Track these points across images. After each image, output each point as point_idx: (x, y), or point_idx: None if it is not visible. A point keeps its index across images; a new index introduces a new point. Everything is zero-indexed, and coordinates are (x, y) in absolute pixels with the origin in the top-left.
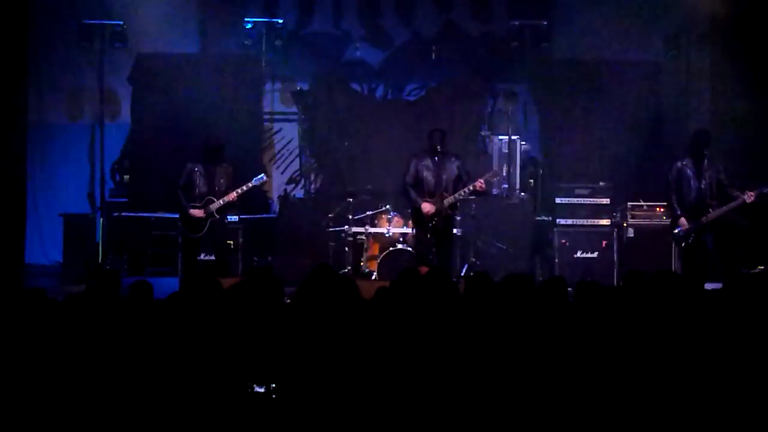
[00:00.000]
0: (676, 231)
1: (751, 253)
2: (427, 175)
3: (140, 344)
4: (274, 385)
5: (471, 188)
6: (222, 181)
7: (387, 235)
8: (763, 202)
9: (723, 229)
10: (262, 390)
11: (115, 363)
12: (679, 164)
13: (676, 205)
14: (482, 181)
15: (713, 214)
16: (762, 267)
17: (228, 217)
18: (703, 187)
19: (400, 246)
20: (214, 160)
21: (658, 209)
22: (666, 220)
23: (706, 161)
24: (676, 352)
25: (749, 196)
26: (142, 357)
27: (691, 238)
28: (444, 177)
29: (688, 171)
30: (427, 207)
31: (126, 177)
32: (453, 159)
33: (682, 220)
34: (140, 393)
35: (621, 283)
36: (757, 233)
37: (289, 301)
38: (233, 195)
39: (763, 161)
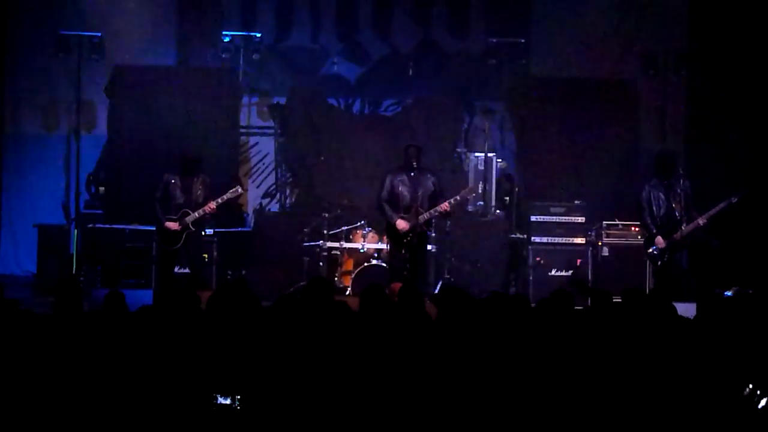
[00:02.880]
0: (651, 250)
1: (725, 273)
2: (403, 191)
3: (108, 356)
4: (239, 397)
5: (439, 210)
6: (199, 193)
7: (362, 250)
8: (733, 220)
9: (696, 248)
10: (227, 401)
11: (84, 373)
12: (648, 186)
13: (650, 224)
14: (448, 203)
15: (686, 230)
16: (737, 287)
17: (205, 229)
18: (673, 205)
19: (374, 261)
20: (192, 173)
21: (633, 228)
22: (641, 240)
23: (675, 180)
24: (651, 372)
25: (702, 220)
26: (111, 368)
27: (666, 256)
28: (420, 193)
29: (658, 191)
30: (401, 224)
31: (101, 188)
32: (429, 175)
33: (659, 238)
34: (110, 403)
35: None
36: (731, 253)
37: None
38: (208, 207)
39: (738, 180)
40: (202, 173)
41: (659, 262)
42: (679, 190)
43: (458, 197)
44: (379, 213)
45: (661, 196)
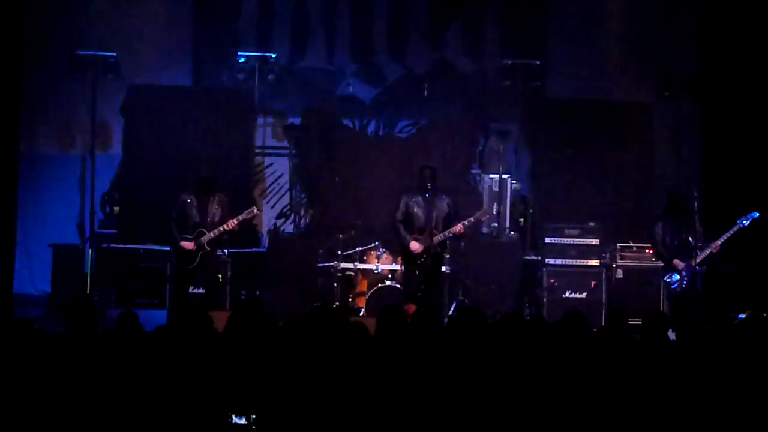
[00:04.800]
0: (668, 279)
1: (740, 297)
2: (417, 212)
3: (122, 376)
4: (254, 416)
5: (453, 231)
6: (215, 212)
7: (376, 271)
8: (748, 243)
9: (711, 273)
10: (242, 421)
11: (98, 394)
12: (659, 221)
13: (665, 253)
14: (462, 225)
15: (699, 257)
16: (751, 310)
17: (219, 250)
18: (691, 239)
19: (388, 282)
20: (208, 192)
21: (647, 250)
22: (655, 262)
23: (687, 213)
24: (671, 393)
25: (715, 247)
26: (125, 388)
27: (685, 283)
28: (434, 214)
29: (671, 225)
30: (414, 245)
31: (116, 208)
32: (443, 196)
33: (677, 261)
34: (124, 424)
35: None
36: (745, 277)
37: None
38: (224, 227)
39: (753, 203)
40: (219, 192)
41: (679, 290)
42: (690, 223)
43: (472, 219)
44: (393, 234)
45: (675, 230)
